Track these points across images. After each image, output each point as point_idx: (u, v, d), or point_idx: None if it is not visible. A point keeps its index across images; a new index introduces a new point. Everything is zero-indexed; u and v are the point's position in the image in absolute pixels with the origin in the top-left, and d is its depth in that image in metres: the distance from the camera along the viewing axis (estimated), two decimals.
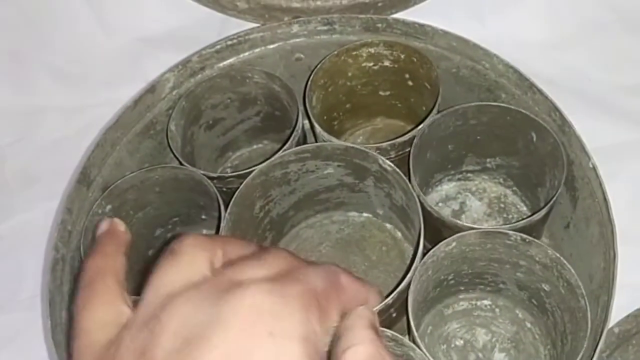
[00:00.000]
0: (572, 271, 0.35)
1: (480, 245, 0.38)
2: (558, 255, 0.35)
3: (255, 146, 0.53)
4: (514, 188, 0.47)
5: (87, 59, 0.58)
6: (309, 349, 0.22)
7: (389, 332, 0.35)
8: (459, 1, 0.53)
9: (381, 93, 0.50)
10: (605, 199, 0.36)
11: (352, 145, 0.41)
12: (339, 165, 0.42)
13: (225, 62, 0.47)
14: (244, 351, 0.21)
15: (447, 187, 0.48)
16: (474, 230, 0.37)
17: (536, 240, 0.36)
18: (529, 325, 0.43)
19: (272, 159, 0.41)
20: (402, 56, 0.46)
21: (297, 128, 0.43)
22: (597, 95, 0.53)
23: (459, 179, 0.48)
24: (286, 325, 0.22)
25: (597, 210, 0.37)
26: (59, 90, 0.58)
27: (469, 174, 0.48)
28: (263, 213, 0.43)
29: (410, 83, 0.48)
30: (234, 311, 0.22)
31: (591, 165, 0.38)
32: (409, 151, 0.42)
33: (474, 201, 0.48)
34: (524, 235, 0.37)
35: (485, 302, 0.44)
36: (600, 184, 0.37)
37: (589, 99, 0.53)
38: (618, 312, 0.42)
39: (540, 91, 0.40)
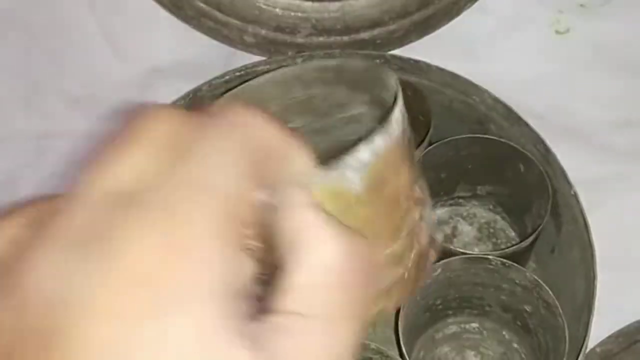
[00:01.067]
0: (550, 292, 0.37)
1: (464, 270, 0.41)
2: (536, 277, 0.38)
3: None
4: (503, 214, 0.50)
5: (99, 86, 0.61)
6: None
7: (373, 344, 0.38)
8: (452, 40, 0.56)
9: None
10: (585, 225, 0.39)
11: None
12: None
13: (232, 92, 0.50)
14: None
15: (440, 212, 0.51)
16: (458, 257, 0.40)
17: (515, 265, 0.39)
18: (515, 345, 0.45)
19: None
20: None
21: None
22: (583, 130, 0.55)
23: (450, 205, 0.51)
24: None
25: (579, 235, 0.40)
26: (71, 116, 0.61)
27: (460, 200, 0.51)
28: None
29: None
30: (106, 283, 0.15)
31: (572, 193, 0.41)
32: None
33: (465, 226, 0.50)
34: (504, 260, 0.39)
35: (473, 324, 0.46)
36: (581, 211, 0.40)
37: (574, 134, 0.55)
38: (600, 333, 0.45)
39: (526, 124, 0.43)
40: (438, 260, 0.39)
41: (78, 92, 0.61)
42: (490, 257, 0.39)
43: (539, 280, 0.38)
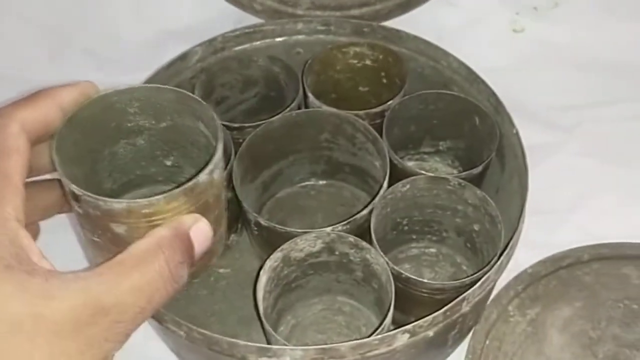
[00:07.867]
0: (494, 205, 0.46)
1: (428, 190, 0.49)
2: (484, 194, 0.47)
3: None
4: (460, 168, 0.59)
5: (118, 44, 0.69)
6: None
7: (352, 237, 0.46)
8: (424, 27, 0.66)
9: (360, 88, 0.62)
10: (523, 155, 0.48)
11: (337, 111, 0.52)
12: None
13: (240, 47, 0.59)
14: None
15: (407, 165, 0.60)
16: (423, 176, 0.49)
17: (469, 184, 0.48)
18: (464, 267, 0.54)
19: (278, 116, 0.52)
20: (381, 57, 0.58)
21: (298, 95, 0.54)
22: (530, 110, 0.66)
23: (416, 159, 0.60)
24: None
25: (518, 165, 0.49)
26: (89, 69, 0.69)
27: (425, 155, 0.60)
28: None
29: (384, 81, 0.60)
30: None
31: (515, 132, 0.50)
32: (379, 124, 0.54)
33: None
34: (460, 180, 0.48)
35: (432, 250, 0.55)
36: (521, 146, 0.49)
37: (522, 114, 0.65)
38: (531, 260, 0.54)
39: (483, 82, 0.53)
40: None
41: (97, 47, 0.69)
42: (449, 177, 0.48)
43: (486, 196, 0.47)
